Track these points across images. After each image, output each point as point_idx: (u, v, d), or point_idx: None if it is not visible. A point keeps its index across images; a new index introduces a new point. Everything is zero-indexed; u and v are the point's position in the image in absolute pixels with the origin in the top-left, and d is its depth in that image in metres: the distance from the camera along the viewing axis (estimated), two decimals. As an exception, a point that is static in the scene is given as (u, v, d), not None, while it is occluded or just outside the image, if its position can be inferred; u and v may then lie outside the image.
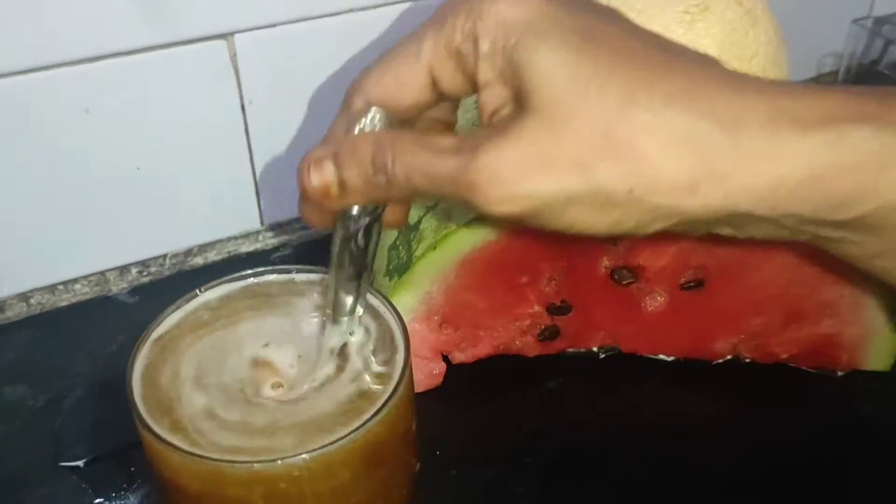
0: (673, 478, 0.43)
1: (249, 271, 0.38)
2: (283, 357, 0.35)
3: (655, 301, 0.46)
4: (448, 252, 0.43)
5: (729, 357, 0.48)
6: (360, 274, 0.34)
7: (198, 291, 0.37)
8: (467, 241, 0.43)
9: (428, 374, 0.47)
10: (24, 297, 0.53)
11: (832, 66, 0.73)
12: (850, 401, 0.48)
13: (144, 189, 0.52)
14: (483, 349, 0.48)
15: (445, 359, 0.47)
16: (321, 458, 0.30)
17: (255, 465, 0.30)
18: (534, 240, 0.43)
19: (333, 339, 0.34)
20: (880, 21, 0.68)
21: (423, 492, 0.40)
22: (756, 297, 0.45)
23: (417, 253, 0.44)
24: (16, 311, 0.53)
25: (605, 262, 0.45)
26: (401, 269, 0.44)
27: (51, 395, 0.48)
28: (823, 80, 0.74)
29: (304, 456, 0.30)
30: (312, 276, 0.38)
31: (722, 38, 0.39)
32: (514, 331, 0.47)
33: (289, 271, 0.38)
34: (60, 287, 0.54)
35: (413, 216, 0.45)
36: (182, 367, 0.34)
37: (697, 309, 0.46)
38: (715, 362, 0.48)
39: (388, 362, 0.34)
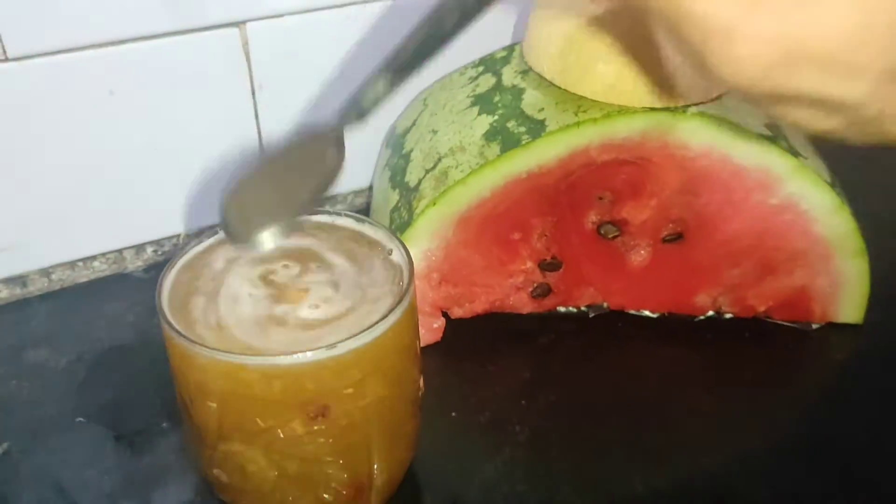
0: (655, 422, 0.46)
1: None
2: (296, 278, 0.38)
3: (639, 255, 0.49)
4: (446, 208, 0.47)
5: (711, 313, 0.51)
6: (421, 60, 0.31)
7: (218, 229, 0.40)
8: (463, 197, 0.46)
9: (428, 328, 0.50)
10: (45, 272, 0.56)
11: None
12: (826, 352, 0.51)
13: (160, 169, 0.55)
14: (480, 305, 0.51)
15: (445, 315, 0.51)
16: (335, 356, 0.33)
17: (275, 358, 0.33)
18: (525, 195, 0.47)
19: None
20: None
21: (426, 431, 0.43)
22: (731, 248, 0.48)
23: (418, 211, 0.47)
24: (38, 286, 0.56)
25: (592, 217, 0.48)
26: (402, 227, 0.48)
27: (71, 357, 0.51)
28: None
29: (319, 350, 0.33)
30: (334, 220, 0.41)
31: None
32: (508, 287, 0.51)
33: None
34: (80, 264, 0.57)
35: (413, 179, 0.49)
36: (205, 285, 0.37)
37: (678, 262, 0.49)
38: (697, 318, 0.52)
39: (396, 281, 0.37)
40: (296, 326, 0.35)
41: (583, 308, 0.52)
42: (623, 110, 0.44)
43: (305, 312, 0.36)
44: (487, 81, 0.51)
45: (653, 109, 0.44)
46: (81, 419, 0.46)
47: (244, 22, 0.54)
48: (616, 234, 0.49)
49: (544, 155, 0.45)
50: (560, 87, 0.46)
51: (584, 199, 0.47)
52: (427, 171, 0.48)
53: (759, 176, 0.45)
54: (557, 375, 0.49)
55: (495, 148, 0.46)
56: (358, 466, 0.37)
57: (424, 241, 0.48)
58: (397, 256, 0.38)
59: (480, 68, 0.53)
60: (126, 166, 0.55)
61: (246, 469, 0.36)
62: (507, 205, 0.47)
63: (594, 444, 0.45)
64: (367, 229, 0.40)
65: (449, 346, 0.50)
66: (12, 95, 0.49)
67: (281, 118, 0.57)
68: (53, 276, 0.56)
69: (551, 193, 0.47)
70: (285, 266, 0.38)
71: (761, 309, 0.51)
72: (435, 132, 0.50)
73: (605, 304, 0.52)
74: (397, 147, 0.53)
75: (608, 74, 0.44)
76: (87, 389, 0.48)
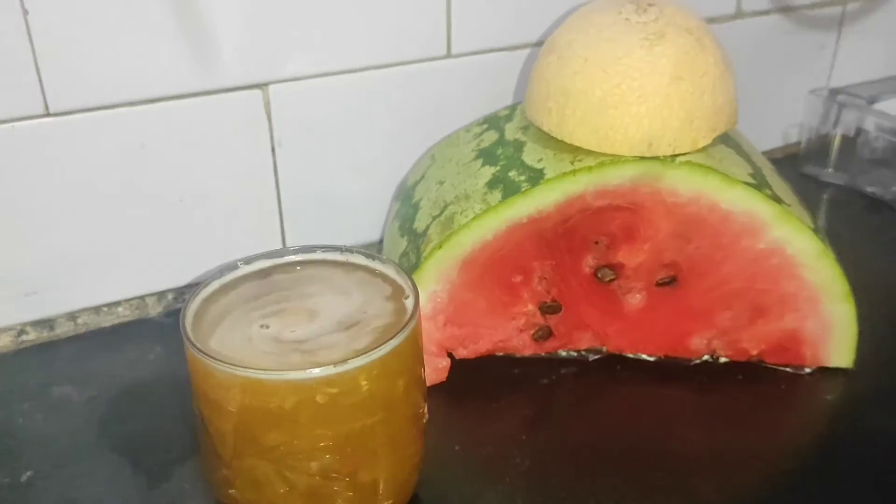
0: (652, 461, 0.47)
1: (286, 248, 0.44)
2: (306, 312, 0.40)
3: (635, 298, 0.52)
4: (451, 251, 0.50)
5: (706, 357, 0.54)
6: None
7: (238, 264, 0.43)
8: (468, 240, 0.49)
9: (434, 368, 0.52)
10: (72, 316, 0.59)
11: (797, 136, 0.82)
12: (818, 395, 0.53)
13: (184, 220, 0.59)
14: (484, 346, 0.53)
15: (450, 356, 0.53)
16: (344, 372, 0.36)
17: (288, 373, 0.35)
18: (525, 239, 0.50)
19: None
20: (835, 92, 0.77)
21: (432, 461, 0.45)
22: (723, 291, 0.51)
23: (425, 254, 0.50)
24: (64, 329, 0.59)
25: (589, 261, 0.51)
26: (410, 270, 0.51)
27: (93, 393, 0.53)
28: (789, 150, 0.83)
29: (328, 367, 0.35)
30: (346, 257, 0.44)
31: (676, 59, 0.47)
32: (511, 329, 0.53)
33: (313, 250, 0.44)
34: (105, 309, 0.60)
35: (421, 225, 0.52)
36: (223, 314, 0.40)
37: (673, 305, 0.52)
38: (693, 362, 0.54)
39: (400, 311, 0.40)
40: (307, 348, 0.38)
41: (583, 352, 0.54)
42: (616, 159, 0.47)
43: (316, 335, 0.38)
44: (491, 137, 0.54)
45: (643, 158, 0.48)
46: (101, 450, 0.48)
47: (266, 84, 0.58)
48: (612, 277, 0.51)
49: (543, 200, 0.48)
50: (558, 139, 0.50)
51: (581, 244, 0.50)
52: (434, 218, 0.51)
53: (745, 221, 0.48)
54: (558, 414, 0.51)
55: (497, 195, 0.49)
56: (363, 485, 0.39)
57: (431, 284, 0.50)
58: (405, 286, 0.41)
59: (485, 125, 0.56)
60: (152, 216, 0.58)
61: (259, 484, 0.38)
62: (509, 248, 0.50)
63: (592, 477, 0.46)
64: (376, 265, 0.43)
65: (454, 385, 0.53)
66: (51, 147, 0.53)
67: (298, 173, 0.61)
68: (79, 320, 0.59)
69: (550, 237, 0.50)
70: (298, 296, 0.41)
71: (754, 352, 0.53)
72: (442, 183, 0.54)
73: (604, 348, 0.54)
74: (406, 199, 0.57)
75: (601, 126, 0.48)
76: (107, 423, 0.51)
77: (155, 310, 0.61)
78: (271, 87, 0.58)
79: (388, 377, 0.38)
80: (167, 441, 0.49)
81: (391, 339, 0.37)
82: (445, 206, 0.51)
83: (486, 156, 0.53)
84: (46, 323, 0.58)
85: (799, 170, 0.79)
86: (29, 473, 0.47)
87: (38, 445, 0.49)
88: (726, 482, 0.46)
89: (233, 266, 0.43)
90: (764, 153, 0.58)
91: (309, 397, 0.36)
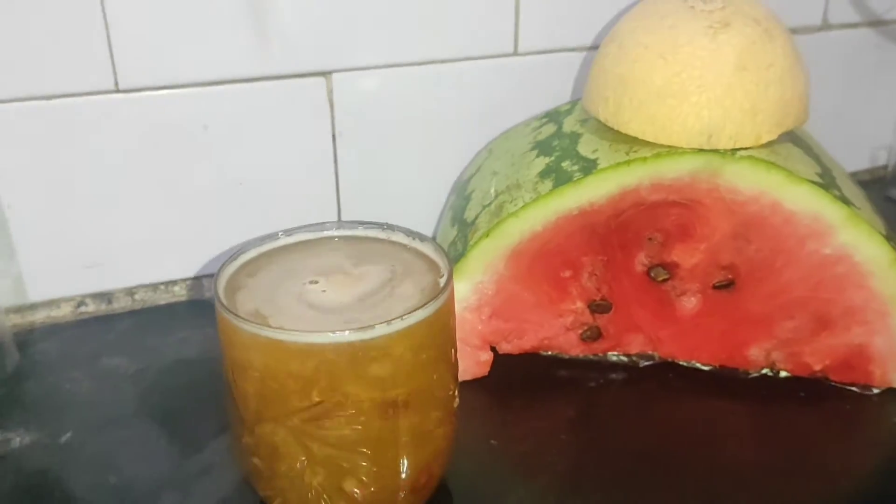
0: (697, 475, 0.45)
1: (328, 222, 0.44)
2: (341, 283, 0.40)
3: (690, 301, 0.50)
4: (498, 241, 0.48)
5: (765, 370, 0.51)
6: None
7: (279, 234, 0.43)
8: (516, 230, 0.48)
9: (475, 361, 0.51)
10: (129, 291, 0.60)
11: (886, 158, 0.78)
12: (886, 418, 0.49)
13: (241, 204, 0.60)
14: (529, 342, 0.52)
15: (493, 350, 0.52)
16: (368, 339, 0.35)
17: (311, 335, 0.35)
18: (576, 232, 0.48)
19: None
20: (926, 113, 0.73)
21: (463, 453, 0.43)
22: (785, 298, 0.48)
23: (472, 243, 0.49)
24: (122, 304, 0.60)
25: (642, 259, 0.49)
26: (456, 259, 0.50)
27: (140, 366, 0.54)
28: (876, 173, 0.78)
29: (354, 332, 0.35)
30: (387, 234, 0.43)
31: (741, 49, 0.45)
32: (558, 327, 0.51)
33: (355, 226, 0.44)
34: (161, 286, 0.61)
35: (471, 215, 0.51)
36: (259, 279, 0.40)
37: (730, 310, 0.49)
38: (751, 375, 0.51)
39: (434, 288, 0.39)
40: (337, 315, 0.37)
41: (633, 357, 0.52)
42: (673, 151, 0.46)
43: (347, 305, 0.38)
44: (549, 129, 0.53)
45: (702, 151, 0.46)
46: (140, 419, 0.49)
47: (331, 72, 0.58)
48: (666, 277, 0.49)
49: (595, 192, 0.47)
50: (615, 130, 0.48)
51: (634, 240, 0.48)
52: (484, 207, 0.51)
53: (810, 223, 0.45)
54: (602, 418, 0.49)
55: (548, 184, 0.48)
56: (385, 461, 0.38)
57: (477, 274, 0.49)
58: (440, 264, 0.40)
59: (544, 119, 0.55)
60: (211, 198, 0.59)
61: (278, 453, 0.38)
62: (559, 241, 0.48)
63: (631, 484, 0.44)
64: (415, 243, 0.42)
65: (496, 381, 0.51)
66: (118, 123, 0.55)
67: (357, 164, 0.61)
68: (136, 296, 0.60)
69: (602, 232, 0.48)
70: (335, 271, 0.40)
71: (817, 368, 0.50)
72: (495, 174, 0.53)
73: (656, 354, 0.52)
74: (461, 191, 0.56)
75: (659, 116, 0.46)
76: (149, 395, 0.51)
77: (210, 291, 0.62)
78: (335, 76, 0.59)
79: (413, 349, 0.37)
80: (204, 416, 0.49)
81: (418, 309, 0.36)
82: (496, 196, 0.50)
83: (542, 147, 0.51)
84: (105, 296, 0.60)
85: (885, 193, 0.75)
86: (68, 435, 0.48)
87: (80, 410, 0.50)
88: None
89: (273, 236, 0.43)
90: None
91: (329, 362, 0.35)
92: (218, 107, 0.57)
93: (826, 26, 0.71)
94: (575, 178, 0.47)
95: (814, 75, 0.49)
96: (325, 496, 0.38)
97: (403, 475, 0.39)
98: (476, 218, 0.50)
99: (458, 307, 0.49)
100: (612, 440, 0.47)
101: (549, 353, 0.53)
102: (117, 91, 0.54)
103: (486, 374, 0.51)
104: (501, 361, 0.52)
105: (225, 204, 0.59)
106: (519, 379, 0.52)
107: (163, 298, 0.61)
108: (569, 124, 0.52)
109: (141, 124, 0.56)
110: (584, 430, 0.48)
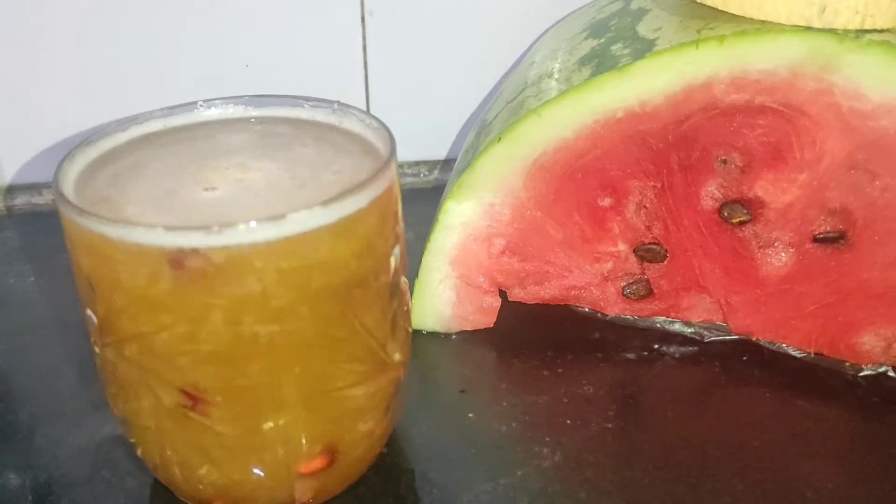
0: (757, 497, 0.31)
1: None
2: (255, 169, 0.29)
3: (778, 257, 0.35)
4: (514, 148, 0.36)
5: (883, 368, 0.35)
6: None
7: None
8: (538, 135, 0.35)
9: (478, 307, 0.39)
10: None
11: None
12: None
13: (244, 90, 0.49)
14: (550, 291, 0.39)
15: (502, 295, 0.39)
16: (220, 247, 0.24)
17: (134, 231, 0.24)
18: (620, 144, 0.34)
19: None
20: None
21: (427, 426, 0.33)
22: (922, 265, 0.32)
23: (481, 149, 0.36)
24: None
25: (712, 190, 0.35)
26: (461, 170, 0.37)
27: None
28: None
29: (191, 231, 0.24)
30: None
31: None
32: (592, 275, 0.38)
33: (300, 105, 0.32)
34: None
35: (492, 114, 0.39)
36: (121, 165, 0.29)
37: (836, 275, 0.34)
38: (861, 373, 0.36)
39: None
40: (209, 211, 0.26)
41: (696, 326, 0.38)
42: (765, 29, 0.31)
43: (232, 198, 0.27)
44: (613, 7, 0.39)
45: (809, 30, 0.30)
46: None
47: (361, -67, 0.47)
48: (745, 219, 0.35)
49: (648, 85, 0.33)
50: (695, 3, 0.34)
51: (701, 160, 0.34)
52: (507, 104, 0.38)
53: (974, 154, 0.30)
54: (641, 407, 0.35)
55: (586, 72, 0.34)
56: (260, 427, 0.27)
57: (486, 192, 0.37)
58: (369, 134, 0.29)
59: (615, -3, 0.41)
60: (209, 82, 0.49)
61: (127, 396, 0.28)
62: (596, 155, 0.35)
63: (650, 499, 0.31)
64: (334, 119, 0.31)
65: (500, 335, 0.39)
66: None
67: (387, 47, 0.50)
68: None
69: (657, 146, 0.34)
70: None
71: (966, 375, 0.34)
72: (533, 63, 0.39)
73: (727, 326, 0.38)
74: (497, 87, 0.43)
75: (751, -24, 0.31)
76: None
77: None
78: (366, -62, 0.47)
79: (297, 258, 0.25)
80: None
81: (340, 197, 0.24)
82: (523, 89, 0.37)
83: (595, 28, 0.38)
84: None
85: None
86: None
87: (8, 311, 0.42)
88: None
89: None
90: None
91: (163, 270, 0.24)
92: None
93: None
94: (621, 65, 0.33)
95: None
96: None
97: (299, 444, 0.28)
98: (495, 117, 0.38)
99: (461, 234, 0.38)
100: (652, 439, 0.33)
101: (578, 308, 0.39)
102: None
103: (491, 324, 0.39)
104: (513, 311, 0.39)
105: (224, 89, 0.49)
106: (533, 337, 0.39)
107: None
108: (639, 1, 0.38)
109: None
110: (599, 417, 0.34)
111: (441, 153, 0.53)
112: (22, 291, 0.44)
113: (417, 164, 0.53)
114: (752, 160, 0.33)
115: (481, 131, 0.39)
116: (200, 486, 0.29)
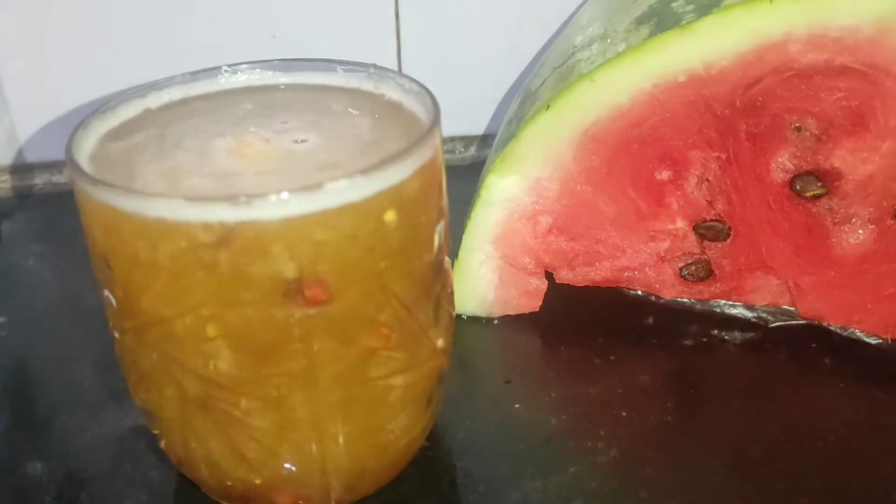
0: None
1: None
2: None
3: (856, 234, 0.32)
4: (563, 117, 0.33)
5: (971, 357, 0.32)
6: None
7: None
8: (590, 102, 0.32)
9: (522, 290, 0.36)
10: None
11: None
12: None
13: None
14: (601, 272, 0.36)
15: (549, 276, 0.36)
16: (241, 223, 0.21)
17: (153, 202, 0.22)
18: (681, 112, 0.32)
19: None
20: None
21: (468, 418, 0.30)
22: None
23: (527, 119, 0.34)
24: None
25: (784, 161, 0.32)
26: (504, 143, 0.35)
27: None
28: None
29: (210, 202, 0.21)
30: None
31: None
32: (647, 255, 0.35)
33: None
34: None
35: (537, 81, 0.36)
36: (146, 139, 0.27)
37: (921, 255, 0.31)
38: (948, 361, 0.33)
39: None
40: (234, 185, 0.24)
41: (759, 311, 0.35)
42: (849, -20, 0.28)
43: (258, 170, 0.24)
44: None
45: (902, -20, 0.27)
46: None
47: None
48: (820, 192, 0.32)
49: (714, 45, 0.30)
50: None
51: (772, 128, 0.31)
52: (555, 69, 0.35)
53: None
54: (701, 396, 0.33)
55: (644, 31, 0.31)
56: (291, 419, 0.24)
57: (533, 166, 0.34)
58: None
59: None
60: (232, 52, 0.47)
61: (149, 385, 0.25)
62: (654, 123, 0.32)
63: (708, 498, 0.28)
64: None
65: (546, 320, 0.36)
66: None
67: (421, 14, 0.47)
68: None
69: (722, 112, 0.31)
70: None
71: None
72: (581, 26, 0.36)
73: (795, 311, 0.35)
74: (541, 54, 0.40)
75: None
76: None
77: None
78: None
79: (334, 233, 0.22)
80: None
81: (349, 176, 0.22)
82: (573, 53, 0.34)
83: (653, -14, 0.35)
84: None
85: None
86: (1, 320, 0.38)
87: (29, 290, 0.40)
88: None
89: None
90: None
91: (184, 246, 0.22)
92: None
93: None
94: (684, 22, 0.30)
95: None
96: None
97: (333, 444, 0.25)
98: (542, 84, 0.35)
99: (504, 211, 0.35)
100: (716, 434, 0.31)
101: (632, 291, 0.37)
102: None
103: (536, 309, 0.36)
104: (560, 294, 0.37)
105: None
106: (582, 323, 0.36)
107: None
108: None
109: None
110: (658, 409, 0.32)
111: (478, 128, 0.50)
112: (41, 274, 0.42)
113: (452, 139, 0.51)
114: (830, 127, 0.30)
115: (526, 100, 0.36)
116: (228, 483, 0.26)
